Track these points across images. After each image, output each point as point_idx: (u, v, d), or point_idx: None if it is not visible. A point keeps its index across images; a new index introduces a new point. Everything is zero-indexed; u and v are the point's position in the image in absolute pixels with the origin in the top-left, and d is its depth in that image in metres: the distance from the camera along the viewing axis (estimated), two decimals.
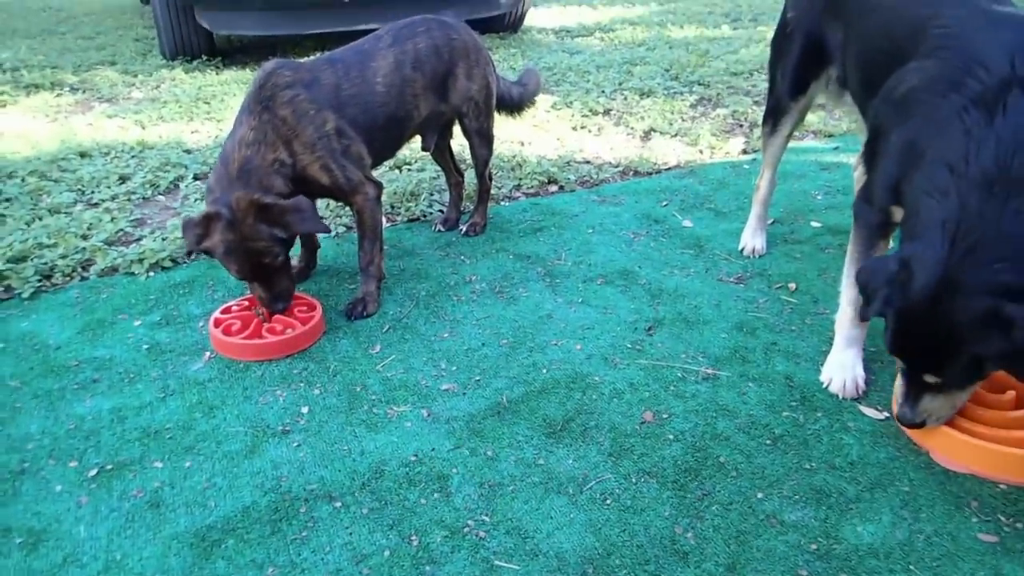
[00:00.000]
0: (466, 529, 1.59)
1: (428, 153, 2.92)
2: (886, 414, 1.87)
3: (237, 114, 2.29)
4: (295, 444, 1.86)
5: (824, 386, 1.98)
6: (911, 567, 1.44)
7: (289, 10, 5.72)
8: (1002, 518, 1.54)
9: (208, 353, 2.25)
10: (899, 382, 1.71)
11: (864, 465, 1.71)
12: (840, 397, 1.94)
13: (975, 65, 1.61)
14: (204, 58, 6.21)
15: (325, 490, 1.71)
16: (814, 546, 1.51)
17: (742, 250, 2.74)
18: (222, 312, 2.36)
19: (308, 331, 2.26)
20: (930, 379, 1.60)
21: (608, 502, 1.65)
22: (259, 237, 2.13)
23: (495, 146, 3.87)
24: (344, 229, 3.10)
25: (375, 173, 2.58)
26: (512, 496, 1.68)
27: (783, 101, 2.48)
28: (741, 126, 4.22)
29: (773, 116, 2.56)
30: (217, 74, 5.77)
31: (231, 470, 1.78)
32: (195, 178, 3.65)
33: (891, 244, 2.57)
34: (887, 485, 1.65)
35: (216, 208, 2.12)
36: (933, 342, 1.54)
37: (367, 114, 2.43)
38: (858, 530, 1.54)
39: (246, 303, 2.41)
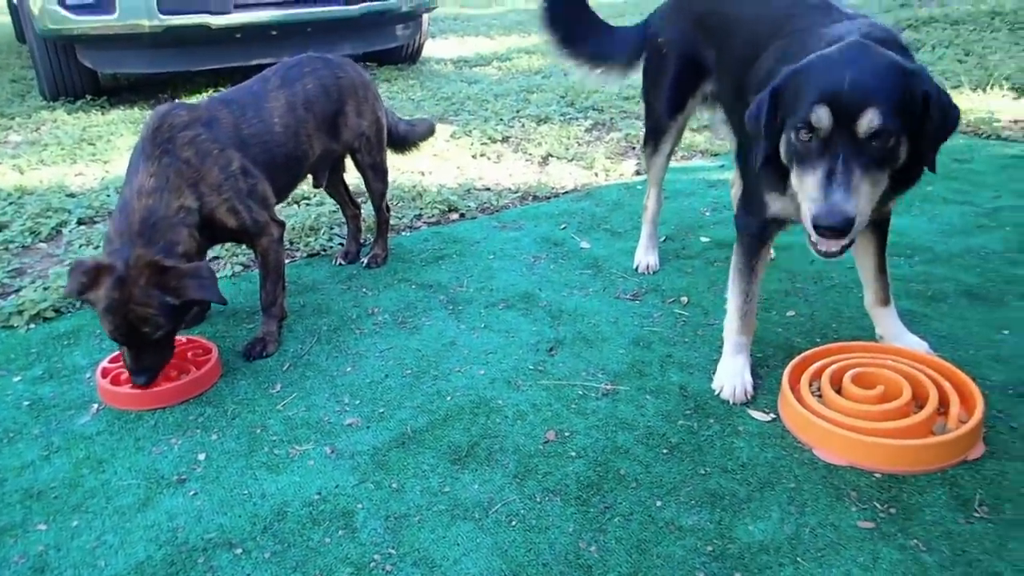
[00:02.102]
0: (372, 564, 1.58)
1: (322, 189, 2.91)
2: (772, 416, 1.97)
3: (131, 161, 2.19)
4: (192, 493, 1.80)
5: (716, 393, 2.07)
6: (798, 559, 1.52)
7: (178, 47, 5.59)
8: (878, 505, 1.65)
9: (96, 405, 2.16)
10: (812, 178, 1.59)
11: (754, 466, 1.79)
12: (731, 403, 2.03)
13: (822, 33, 1.80)
14: (88, 98, 5.99)
15: (224, 537, 1.66)
16: (710, 548, 1.57)
17: (636, 268, 2.84)
18: (110, 361, 2.27)
19: (203, 375, 2.20)
20: (864, 126, 1.54)
21: (514, 523, 1.67)
22: (146, 303, 2.00)
23: (395, 176, 3.89)
24: (241, 268, 3.03)
25: None
26: (419, 526, 1.67)
27: (662, 121, 2.60)
28: (633, 148, 4.38)
29: (653, 137, 2.68)
30: (103, 114, 5.57)
31: (123, 526, 1.71)
32: (80, 223, 3.50)
33: (772, 253, 2.73)
34: (775, 483, 1.73)
35: (112, 261, 2.01)
36: (860, 66, 1.57)
37: (268, 153, 2.40)
38: (750, 528, 1.61)
39: None
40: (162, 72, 5.99)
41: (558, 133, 4.66)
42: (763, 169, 1.85)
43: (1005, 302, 2.42)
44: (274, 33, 5.79)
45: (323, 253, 3.18)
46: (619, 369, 2.22)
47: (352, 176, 3.04)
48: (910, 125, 1.59)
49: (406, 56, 7.23)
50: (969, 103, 4.55)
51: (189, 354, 2.31)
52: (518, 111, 5.26)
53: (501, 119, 5.08)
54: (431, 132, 3.20)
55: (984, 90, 4.74)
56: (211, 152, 2.22)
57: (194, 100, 5.73)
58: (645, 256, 2.84)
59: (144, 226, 2.06)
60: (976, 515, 1.60)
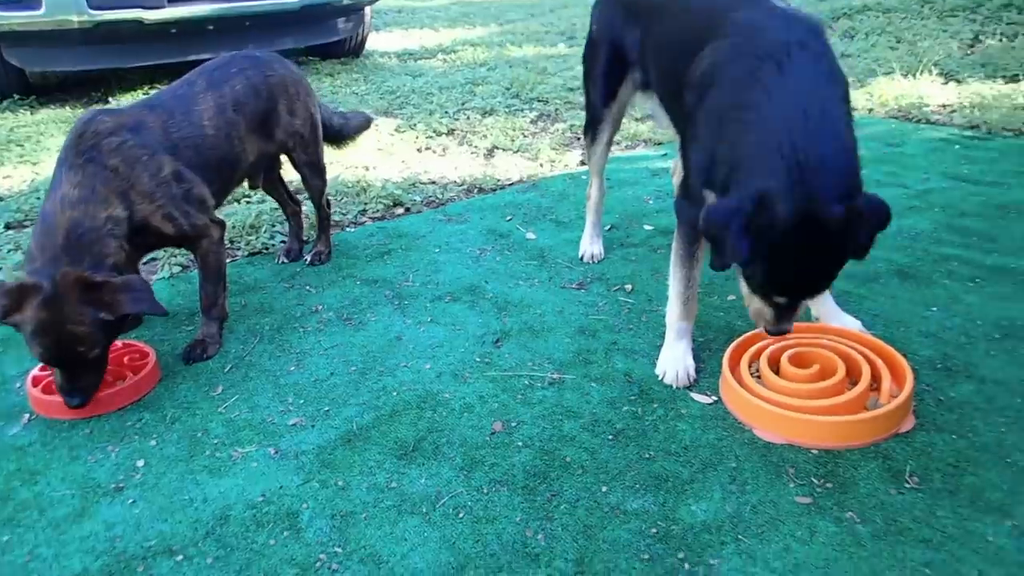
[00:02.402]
0: (318, 563, 1.56)
1: (259, 189, 2.85)
2: (715, 398, 2.00)
3: (55, 170, 2.10)
4: (130, 501, 1.75)
5: (660, 378, 2.10)
6: (740, 536, 1.56)
7: (110, 43, 5.40)
8: (815, 480, 1.69)
9: (27, 415, 2.08)
10: (765, 309, 1.84)
11: (696, 448, 1.83)
12: (674, 387, 2.06)
13: (757, 34, 1.83)
14: (16, 97, 5.75)
15: (165, 544, 1.62)
16: (654, 530, 1.59)
17: (582, 257, 2.86)
18: (41, 369, 2.19)
19: (141, 380, 2.14)
20: (814, 298, 1.78)
21: (461, 516, 1.67)
22: (80, 321, 1.92)
23: (338, 171, 3.85)
24: (179, 268, 2.96)
25: None
26: (365, 523, 1.66)
27: (597, 111, 2.62)
28: (579, 139, 4.40)
29: (592, 127, 2.70)
30: (32, 114, 5.37)
31: (58, 538, 1.66)
32: (7, 227, 3.37)
33: None
34: (717, 464, 1.77)
35: (36, 280, 1.91)
36: (817, 264, 1.69)
37: (200, 157, 2.32)
38: (693, 509, 1.64)
39: None
40: (93, 70, 5.79)
41: (503, 125, 4.65)
42: (702, 170, 1.91)
43: (934, 280, 2.50)
44: (211, 28, 5.64)
45: (265, 251, 3.12)
46: (565, 358, 2.23)
47: (292, 172, 2.99)
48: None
49: (349, 50, 7.13)
50: (900, 88, 4.69)
51: (126, 359, 2.25)
52: (463, 104, 5.25)
53: (446, 112, 5.05)
54: (367, 125, 3.15)
55: (914, 75, 4.89)
56: (140, 158, 2.14)
57: (128, 99, 5.57)
58: (590, 245, 2.86)
59: (69, 240, 1.97)
60: (907, 485, 1.65)
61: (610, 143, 2.74)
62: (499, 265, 2.86)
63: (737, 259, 1.70)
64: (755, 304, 1.87)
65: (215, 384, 2.20)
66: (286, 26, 6.05)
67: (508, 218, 3.30)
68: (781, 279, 1.74)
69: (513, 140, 4.38)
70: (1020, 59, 4.90)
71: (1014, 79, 4.64)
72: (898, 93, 4.62)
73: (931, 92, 4.59)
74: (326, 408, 2.06)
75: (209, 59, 2.63)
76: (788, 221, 1.62)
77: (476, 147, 4.33)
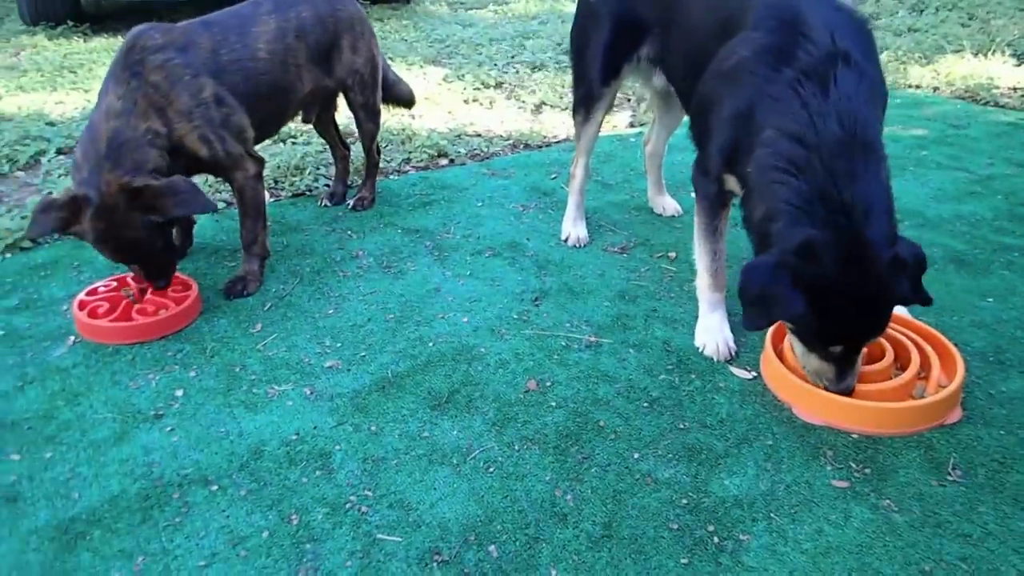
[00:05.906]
0: (348, 505, 1.58)
1: (310, 125, 2.83)
2: (754, 373, 1.97)
3: (103, 81, 2.14)
4: (168, 428, 1.79)
5: (700, 351, 2.06)
6: (772, 515, 1.54)
7: None
8: (853, 465, 1.66)
9: (72, 338, 2.12)
10: (824, 366, 1.73)
11: (733, 422, 1.80)
12: (715, 360, 2.03)
13: (802, 39, 1.71)
14: (70, 24, 5.79)
15: (200, 474, 1.65)
16: (685, 500, 1.58)
17: (566, 240, 2.67)
18: (88, 294, 2.23)
19: (182, 311, 2.17)
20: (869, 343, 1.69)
21: (491, 470, 1.67)
22: (133, 226, 2.01)
23: (385, 118, 3.81)
24: (224, 204, 2.97)
25: (257, 148, 2.47)
26: (396, 470, 1.67)
27: (595, 88, 2.44)
28: (629, 100, 4.30)
29: (585, 105, 2.52)
30: (85, 41, 5.39)
31: (97, 459, 1.70)
32: (59, 152, 3.41)
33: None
34: (753, 440, 1.74)
35: (83, 190, 1.98)
36: (871, 308, 1.62)
37: (248, 82, 2.32)
38: (725, 483, 1.62)
39: (114, 283, 2.28)
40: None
41: (552, 81, 4.56)
42: (723, 157, 1.86)
43: (991, 270, 2.41)
44: None
45: (308, 193, 3.12)
46: (603, 321, 2.21)
47: (342, 116, 2.97)
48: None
49: None
50: (969, 68, 4.49)
51: (168, 290, 2.27)
52: (512, 57, 5.15)
53: (495, 64, 4.97)
54: (410, 99, 3.11)
55: (985, 55, 4.67)
56: (182, 78, 2.16)
57: None
58: (573, 228, 2.68)
59: (111, 148, 2.02)
60: (949, 478, 1.61)
61: (603, 121, 2.57)
62: (541, 223, 2.83)
63: (791, 315, 1.65)
64: (812, 363, 1.76)
65: (254, 321, 2.22)
66: None
67: (553, 176, 3.25)
68: (835, 329, 1.66)
69: (562, 97, 4.29)
70: None
71: None
72: (966, 72, 4.43)
73: (1002, 73, 4.39)
74: (362, 353, 2.07)
75: None
76: (837, 271, 1.56)
77: (524, 102, 4.26)
